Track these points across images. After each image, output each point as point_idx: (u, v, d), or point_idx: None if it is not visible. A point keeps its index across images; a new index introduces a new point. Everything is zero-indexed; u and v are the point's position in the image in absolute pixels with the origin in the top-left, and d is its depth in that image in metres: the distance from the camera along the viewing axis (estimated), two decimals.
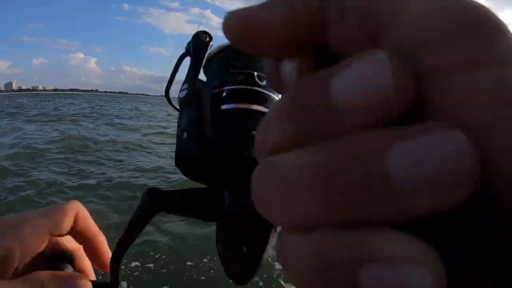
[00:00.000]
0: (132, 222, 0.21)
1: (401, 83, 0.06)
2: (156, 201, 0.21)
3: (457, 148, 0.06)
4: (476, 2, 0.07)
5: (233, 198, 0.20)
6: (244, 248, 0.20)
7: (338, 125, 0.07)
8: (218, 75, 0.20)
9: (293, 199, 0.07)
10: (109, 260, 0.23)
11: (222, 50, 0.21)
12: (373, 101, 0.06)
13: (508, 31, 0.07)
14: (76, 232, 0.23)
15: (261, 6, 0.09)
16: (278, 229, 0.17)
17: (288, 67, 0.09)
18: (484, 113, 0.06)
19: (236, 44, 0.10)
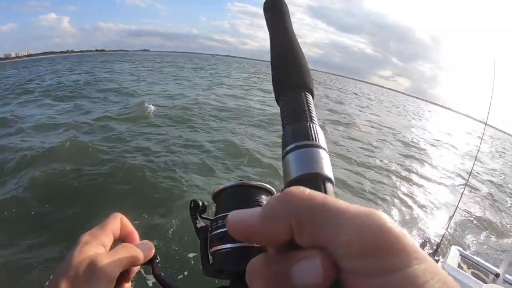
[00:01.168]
0: None
1: (327, 275, 0.15)
2: None
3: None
4: (387, 227, 0.15)
5: None
6: None
7: None
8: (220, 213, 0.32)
9: None
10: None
11: (227, 189, 0.32)
12: (312, 283, 0.15)
13: (404, 249, 0.15)
14: (123, 229, 0.38)
15: (256, 218, 0.18)
16: None
17: (269, 249, 0.20)
18: None
19: (236, 237, 0.19)
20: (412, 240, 0.16)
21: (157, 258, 0.37)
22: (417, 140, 11.97)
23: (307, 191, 0.18)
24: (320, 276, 0.15)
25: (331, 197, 0.19)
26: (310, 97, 0.31)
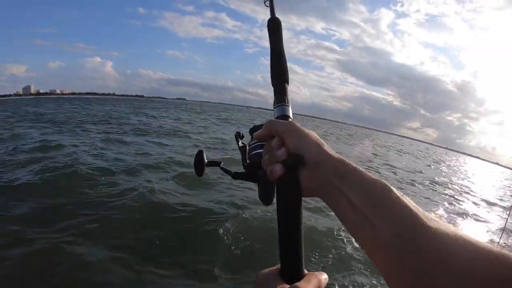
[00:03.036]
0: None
1: (280, 143, 0.49)
2: (234, 175, 0.56)
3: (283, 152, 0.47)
4: (291, 123, 0.51)
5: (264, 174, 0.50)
6: (263, 188, 0.53)
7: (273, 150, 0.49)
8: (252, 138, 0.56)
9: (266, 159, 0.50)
10: None
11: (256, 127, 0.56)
12: (277, 146, 0.48)
13: (300, 132, 0.49)
14: None
15: (262, 131, 0.53)
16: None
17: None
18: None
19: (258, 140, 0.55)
20: (302, 131, 0.48)
21: (222, 163, 0.60)
22: None
23: (275, 120, 0.52)
24: (277, 142, 0.48)
25: (287, 121, 0.51)
26: (286, 85, 0.60)
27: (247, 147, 0.58)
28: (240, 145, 0.59)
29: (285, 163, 0.46)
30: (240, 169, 0.57)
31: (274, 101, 0.58)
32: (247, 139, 0.60)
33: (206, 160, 0.58)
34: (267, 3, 0.69)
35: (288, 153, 0.47)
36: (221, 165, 0.59)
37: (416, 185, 10.52)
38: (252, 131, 0.56)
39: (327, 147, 0.46)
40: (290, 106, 0.57)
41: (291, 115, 0.56)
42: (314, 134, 0.48)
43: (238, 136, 0.61)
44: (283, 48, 0.64)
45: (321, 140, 0.48)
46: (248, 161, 0.56)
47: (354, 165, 0.43)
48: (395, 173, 12.25)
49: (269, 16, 0.67)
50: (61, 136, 10.02)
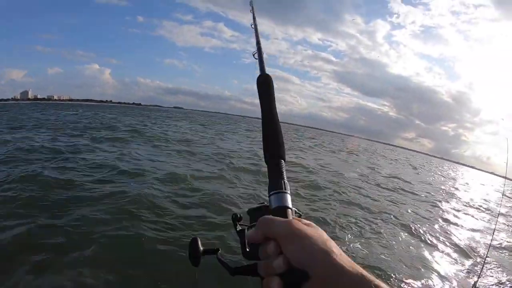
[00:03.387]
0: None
1: (276, 249, 0.40)
2: (233, 272, 0.47)
3: (281, 264, 0.39)
4: (293, 224, 0.42)
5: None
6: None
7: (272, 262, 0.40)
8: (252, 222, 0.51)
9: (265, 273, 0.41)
10: None
11: (254, 210, 0.52)
12: (272, 252, 0.41)
13: (301, 235, 0.41)
14: None
15: (255, 232, 0.45)
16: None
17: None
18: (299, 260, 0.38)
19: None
20: (303, 230, 0.40)
21: (219, 250, 0.52)
22: None
23: (269, 217, 0.44)
24: (273, 248, 0.40)
25: (289, 217, 0.45)
26: (283, 162, 0.53)
27: (247, 231, 0.51)
28: (238, 229, 0.53)
29: (283, 278, 0.39)
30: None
31: (268, 186, 0.51)
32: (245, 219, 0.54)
33: (201, 248, 0.52)
34: (257, 64, 0.66)
35: (288, 265, 0.39)
36: (218, 253, 0.52)
37: (418, 194, 10.66)
38: (250, 213, 0.53)
39: (338, 256, 0.38)
40: (289, 192, 0.50)
41: (290, 205, 0.49)
42: (321, 237, 0.40)
43: (236, 218, 0.54)
44: (276, 110, 0.59)
45: (331, 243, 0.40)
46: (248, 249, 0.49)
47: (377, 280, 0.36)
48: (397, 183, 12.46)
49: (258, 73, 0.63)
50: (72, 141, 10.29)
